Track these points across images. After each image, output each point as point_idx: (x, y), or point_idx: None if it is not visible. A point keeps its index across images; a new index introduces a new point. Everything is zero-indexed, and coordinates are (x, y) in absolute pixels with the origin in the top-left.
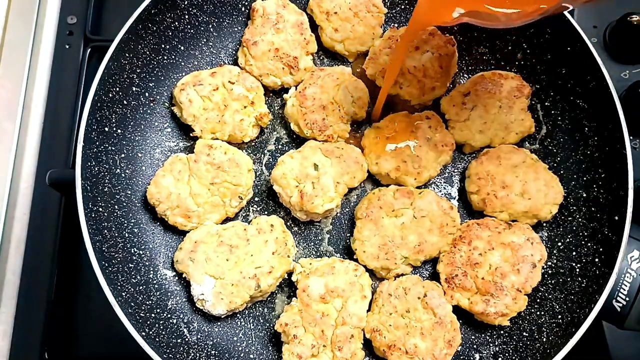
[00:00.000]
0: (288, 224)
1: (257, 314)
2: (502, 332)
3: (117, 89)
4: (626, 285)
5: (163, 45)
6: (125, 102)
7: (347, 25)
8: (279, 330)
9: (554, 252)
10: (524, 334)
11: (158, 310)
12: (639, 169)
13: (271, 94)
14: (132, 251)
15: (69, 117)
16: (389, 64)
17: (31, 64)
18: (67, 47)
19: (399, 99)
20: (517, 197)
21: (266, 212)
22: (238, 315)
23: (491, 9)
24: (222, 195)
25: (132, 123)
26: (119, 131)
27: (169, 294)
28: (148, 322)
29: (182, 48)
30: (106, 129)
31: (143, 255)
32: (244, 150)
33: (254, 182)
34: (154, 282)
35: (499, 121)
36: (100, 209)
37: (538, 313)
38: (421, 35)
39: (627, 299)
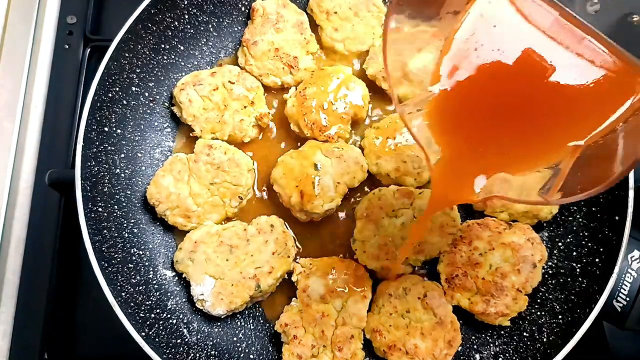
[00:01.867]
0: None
1: (257, 314)
2: (502, 332)
3: (117, 89)
4: (626, 286)
5: (163, 45)
6: (125, 102)
7: (347, 24)
8: (279, 331)
9: (554, 252)
10: (525, 334)
11: (158, 311)
12: (639, 169)
13: (271, 94)
14: (132, 251)
15: (69, 117)
16: (410, 236)
17: (31, 64)
18: (67, 47)
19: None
20: None
21: (266, 212)
22: (238, 315)
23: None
24: (222, 195)
25: (132, 123)
26: (119, 131)
27: (169, 294)
28: (148, 322)
29: (182, 48)
30: (106, 129)
31: (143, 255)
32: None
33: (254, 182)
34: (154, 282)
35: None
36: (100, 209)
37: (538, 313)
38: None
39: (628, 299)
